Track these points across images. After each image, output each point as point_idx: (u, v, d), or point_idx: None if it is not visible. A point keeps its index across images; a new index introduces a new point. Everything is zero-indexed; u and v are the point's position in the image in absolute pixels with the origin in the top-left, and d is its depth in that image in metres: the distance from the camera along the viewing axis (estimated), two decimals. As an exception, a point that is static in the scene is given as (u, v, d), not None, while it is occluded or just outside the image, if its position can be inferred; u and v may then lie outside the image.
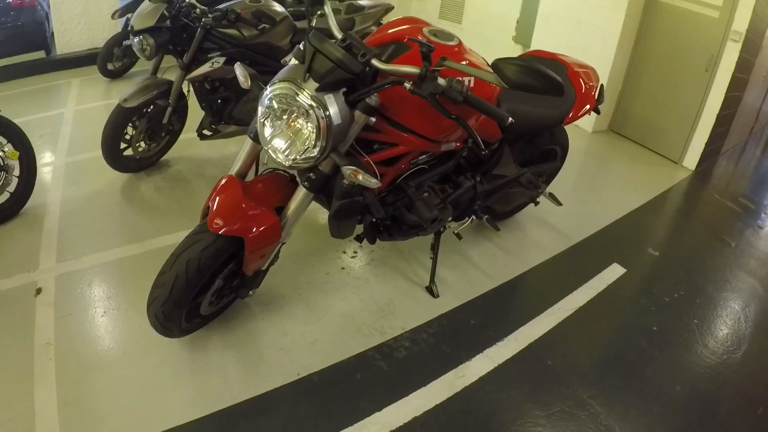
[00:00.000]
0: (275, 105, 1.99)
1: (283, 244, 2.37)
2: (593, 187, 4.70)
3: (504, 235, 3.60)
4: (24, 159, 3.39)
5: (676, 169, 5.26)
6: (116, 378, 2.34)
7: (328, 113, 1.90)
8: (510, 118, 1.91)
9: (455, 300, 2.95)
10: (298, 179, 2.24)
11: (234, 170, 2.34)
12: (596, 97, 3.15)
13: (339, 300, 2.88)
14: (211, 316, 2.57)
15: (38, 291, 2.80)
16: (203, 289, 2.29)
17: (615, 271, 3.42)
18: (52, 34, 6.66)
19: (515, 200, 3.47)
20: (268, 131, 2.04)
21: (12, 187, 3.38)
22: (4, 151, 3.28)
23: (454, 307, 2.90)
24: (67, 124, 4.91)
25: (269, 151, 2.06)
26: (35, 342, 2.48)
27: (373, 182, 2.01)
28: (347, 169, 1.98)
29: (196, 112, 3.95)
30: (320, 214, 3.53)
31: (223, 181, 2.23)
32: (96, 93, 5.76)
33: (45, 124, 4.87)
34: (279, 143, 2.02)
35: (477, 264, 3.29)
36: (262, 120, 2.04)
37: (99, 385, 2.30)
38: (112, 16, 5.18)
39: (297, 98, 1.91)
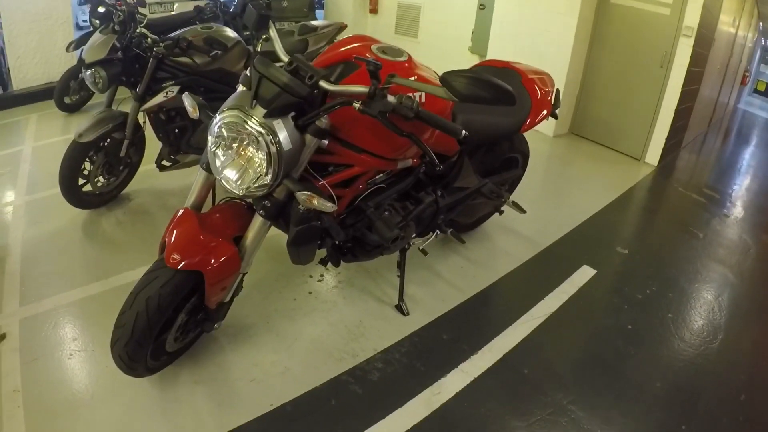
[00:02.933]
0: (224, 133, 1.94)
1: (245, 274, 2.31)
2: (558, 190, 4.71)
3: (471, 247, 3.58)
4: None
5: (639, 165, 5.31)
6: (86, 422, 2.24)
7: (277, 139, 1.85)
8: (463, 131, 1.88)
9: (426, 316, 2.91)
10: (254, 207, 2.18)
11: (189, 202, 2.27)
12: (552, 103, 3.14)
13: (308, 325, 2.81)
14: (178, 353, 2.49)
15: (2, 336, 2.69)
16: (167, 326, 2.21)
17: (585, 273, 3.41)
18: (8, 69, 6.51)
19: (479, 211, 3.44)
20: (219, 161, 1.99)
21: (-29, 231, 3.26)
22: None
23: (425, 324, 2.86)
24: (25, 161, 4.79)
25: (222, 180, 2.00)
26: (2, 390, 2.38)
27: (329, 206, 1.96)
28: (302, 195, 1.93)
29: (154, 143, 3.86)
30: (283, 239, 3.44)
31: (179, 214, 2.17)
32: (54, 128, 5.63)
33: (3, 162, 4.75)
34: (231, 173, 1.97)
35: (446, 278, 3.26)
36: (213, 149, 1.98)
37: (69, 431, 2.21)
38: (67, 49, 5.06)
39: (245, 126, 1.86)
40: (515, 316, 2.95)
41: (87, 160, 3.62)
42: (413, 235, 2.73)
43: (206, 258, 2.05)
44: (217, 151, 1.98)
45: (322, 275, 3.22)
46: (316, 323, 2.83)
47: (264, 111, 1.86)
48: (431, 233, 2.98)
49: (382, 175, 2.43)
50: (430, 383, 2.49)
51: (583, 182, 4.87)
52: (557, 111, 3.21)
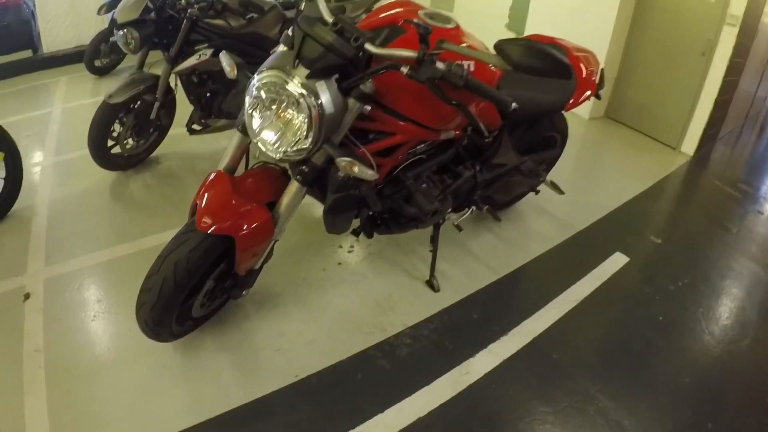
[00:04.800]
0: (263, 95, 1.86)
1: (276, 241, 2.24)
2: (592, 174, 4.60)
3: (504, 226, 3.49)
4: (9, 160, 3.25)
5: (674, 155, 5.17)
6: (107, 385, 2.23)
7: (319, 102, 1.77)
8: (513, 103, 1.79)
9: (456, 294, 2.84)
10: (290, 172, 2.11)
11: (222, 165, 2.20)
12: (597, 82, 3.03)
13: (337, 297, 2.75)
14: (203, 318, 2.45)
15: (27, 296, 2.68)
16: (194, 291, 2.17)
17: (618, 261, 3.31)
18: (39, 32, 6.52)
19: (515, 189, 3.35)
20: (256, 123, 1.91)
21: (-2, 191, 3.27)
22: None
23: (455, 302, 2.79)
24: (54, 122, 4.80)
25: (258, 144, 1.92)
26: (24, 350, 2.37)
27: (370, 174, 1.88)
28: (342, 161, 1.85)
29: (185, 107, 3.81)
30: (315, 207, 3.41)
31: (211, 177, 2.10)
32: (84, 90, 5.62)
33: (32, 123, 4.75)
34: (268, 135, 1.89)
35: (478, 256, 3.18)
36: (250, 111, 1.90)
37: (90, 393, 2.19)
38: (99, 12, 5.01)
39: (286, 86, 1.78)
40: (546, 299, 2.87)
41: (117, 121, 3.59)
42: (449, 210, 2.65)
43: (238, 223, 1.98)
44: (255, 112, 1.90)
45: (352, 246, 3.15)
46: (345, 295, 2.77)
47: (306, 72, 1.77)
48: (467, 209, 2.89)
49: (423, 145, 2.33)
50: (458, 362, 2.42)
51: (617, 168, 4.74)
52: (601, 91, 3.09)
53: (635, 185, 4.32)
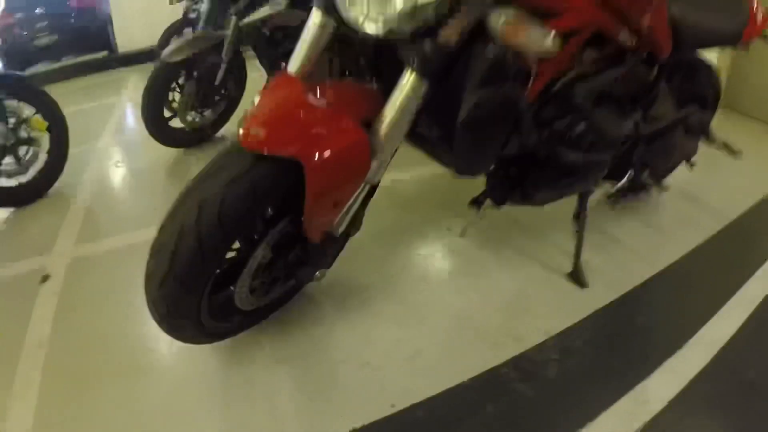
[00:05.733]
0: None
1: (374, 189, 1.36)
2: (723, 160, 3.60)
3: (647, 209, 2.56)
4: (55, 134, 2.85)
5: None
6: (115, 400, 1.54)
7: None
8: None
9: (610, 291, 1.90)
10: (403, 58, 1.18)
11: (293, 67, 1.31)
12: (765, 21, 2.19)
13: (449, 293, 1.87)
14: (256, 314, 1.59)
15: (44, 278, 2.16)
16: (237, 265, 1.32)
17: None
18: (114, 34, 6.47)
19: (677, 152, 2.42)
20: None
21: (40, 164, 2.83)
22: (28, 122, 2.71)
23: (610, 301, 1.86)
24: (119, 109, 4.46)
25: (350, 9, 1.05)
26: (26, 342, 1.82)
27: (548, 42, 0.97)
28: (500, 18, 0.95)
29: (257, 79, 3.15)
30: (414, 184, 2.54)
31: (275, 79, 1.23)
32: (153, 84, 5.21)
33: (96, 110, 4.42)
34: None
35: (625, 244, 2.24)
36: None
37: (90, 408, 1.53)
38: (171, 1, 4.48)
39: None
40: (720, 301, 1.92)
41: (177, 89, 2.98)
42: (604, 172, 1.73)
43: (312, 140, 1.10)
44: None
45: (465, 229, 2.23)
46: (461, 291, 1.88)
47: None
48: (623, 175, 2.03)
49: (592, 53, 1.38)
50: (630, 386, 1.51)
51: (750, 156, 3.74)
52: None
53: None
